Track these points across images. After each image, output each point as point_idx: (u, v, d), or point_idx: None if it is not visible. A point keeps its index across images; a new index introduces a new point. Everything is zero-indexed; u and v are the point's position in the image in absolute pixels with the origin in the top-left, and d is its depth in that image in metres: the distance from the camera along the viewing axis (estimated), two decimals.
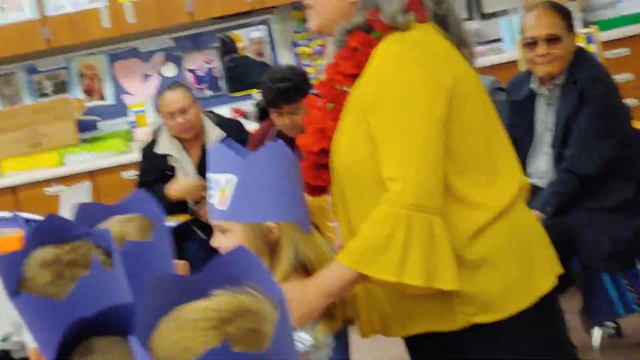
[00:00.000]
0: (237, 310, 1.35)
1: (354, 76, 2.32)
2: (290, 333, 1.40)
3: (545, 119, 4.23)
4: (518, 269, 2.28)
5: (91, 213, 2.08)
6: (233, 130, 5.47)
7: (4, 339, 3.77)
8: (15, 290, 1.70)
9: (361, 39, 2.30)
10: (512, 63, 6.16)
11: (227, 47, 7.23)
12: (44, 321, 1.57)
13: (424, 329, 2.32)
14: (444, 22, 2.36)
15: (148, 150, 5.48)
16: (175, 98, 5.34)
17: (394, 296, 2.32)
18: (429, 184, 2.16)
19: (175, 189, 5.20)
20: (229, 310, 1.35)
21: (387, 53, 2.25)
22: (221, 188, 2.23)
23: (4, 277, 1.70)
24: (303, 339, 2.19)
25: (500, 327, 2.27)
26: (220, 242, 2.28)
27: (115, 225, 2.05)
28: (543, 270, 2.34)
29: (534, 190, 4.23)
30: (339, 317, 2.28)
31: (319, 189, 2.43)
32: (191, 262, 5.22)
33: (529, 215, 2.39)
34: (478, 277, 2.24)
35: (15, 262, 1.72)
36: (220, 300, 1.37)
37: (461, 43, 2.37)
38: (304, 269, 2.27)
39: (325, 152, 2.37)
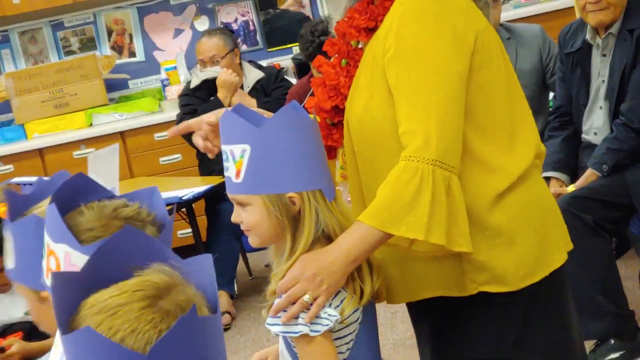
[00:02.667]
0: (163, 286, 1.43)
1: (369, 30, 2.33)
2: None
3: (600, 71, 4.20)
4: (533, 242, 2.29)
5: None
6: (272, 75, 5.59)
7: (26, 313, 3.86)
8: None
9: None
10: (569, 10, 6.13)
11: None
12: None
13: (431, 294, 2.33)
14: None
15: (186, 90, 5.63)
16: (209, 46, 5.49)
17: (403, 260, 2.32)
18: (450, 141, 2.17)
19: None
20: (154, 287, 1.43)
21: (407, 6, 2.25)
22: (236, 160, 2.20)
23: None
24: (329, 314, 2.16)
25: (509, 299, 2.28)
26: (241, 216, 2.26)
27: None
28: (557, 245, 2.36)
29: (591, 147, 4.23)
30: (367, 289, 2.25)
31: (329, 149, 2.43)
32: (225, 221, 5.39)
33: (543, 184, 2.40)
34: (493, 245, 2.25)
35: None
36: (137, 281, 1.44)
37: None
38: (327, 239, 2.23)
39: (338, 110, 2.38)
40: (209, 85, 5.51)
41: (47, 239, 1.90)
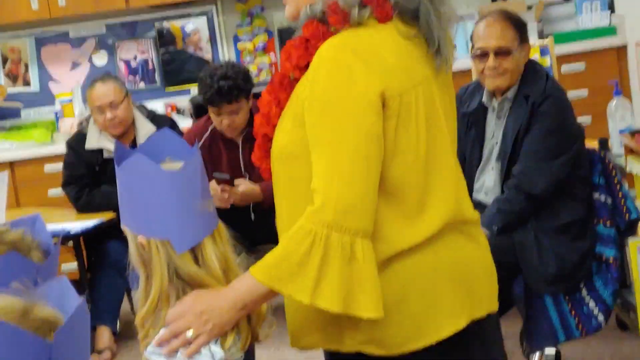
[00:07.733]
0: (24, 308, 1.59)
1: (301, 67, 2.29)
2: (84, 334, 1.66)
3: (494, 133, 4.35)
4: (417, 310, 2.27)
5: None
6: (165, 126, 5.55)
7: None
8: None
9: (314, 30, 2.26)
10: (466, 72, 6.29)
11: (165, 39, 7.28)
12: None
13: (310, 342, 2.36)
14: (415, 17, 2.28)
15: (76, 143, 5.55)
16: (105, 91, 5.41)
17: (290, 304, 2.35)
18: (353, 203, 2.15)
19: None
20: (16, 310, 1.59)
21: (325, 53, 2.22)
22: None
23: None
24: (214, 351, 2.23)
25: None
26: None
27: None
28: (451, 313, 2.30)
29: (480, 206, 4.34)
30: (246, 332, 2.31)
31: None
32: (111, 259, 5.37)
33: (457, 250, 2.34)
34: None
35: None
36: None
37: (430, 43, 2.29)
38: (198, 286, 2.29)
39: (268, 139, 2.37)
40: (100, 159, 5.51)
41: None
